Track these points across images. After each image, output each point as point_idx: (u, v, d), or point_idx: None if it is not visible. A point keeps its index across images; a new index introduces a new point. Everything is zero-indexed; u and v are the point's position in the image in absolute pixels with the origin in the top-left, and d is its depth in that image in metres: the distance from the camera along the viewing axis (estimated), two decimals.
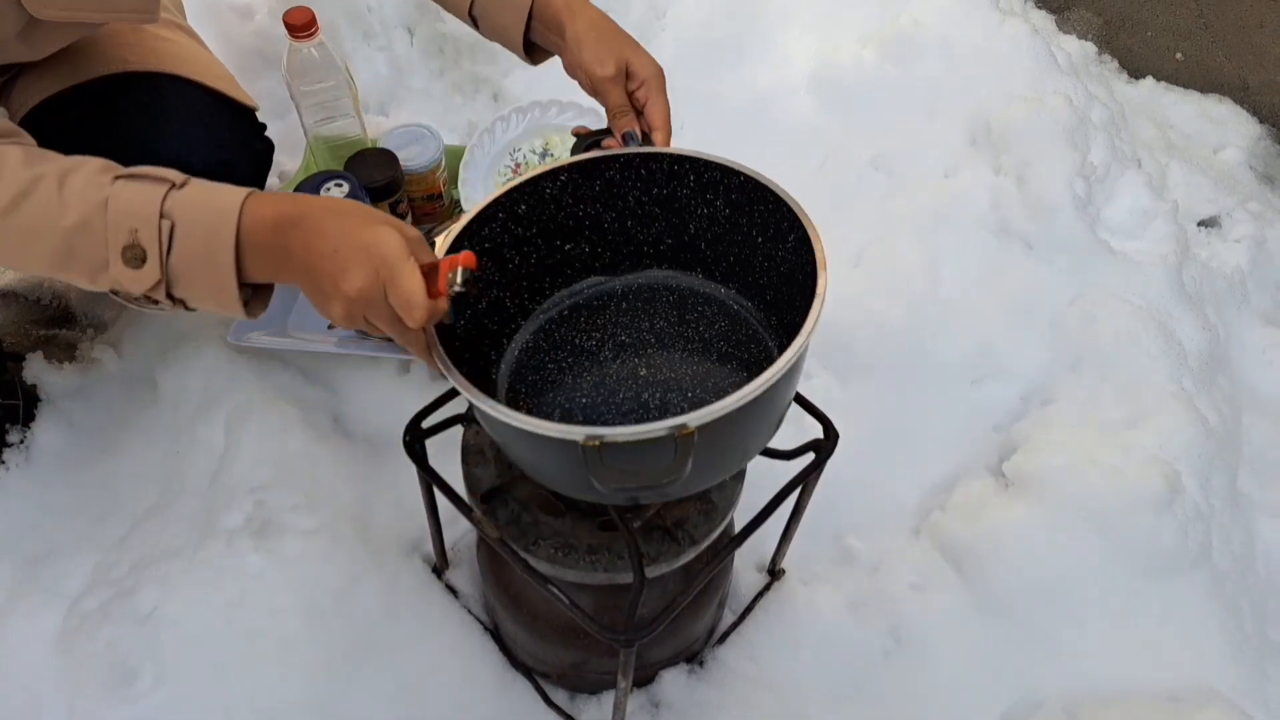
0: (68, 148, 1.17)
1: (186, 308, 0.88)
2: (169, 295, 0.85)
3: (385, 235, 0.77)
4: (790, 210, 0.85)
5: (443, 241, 0.91)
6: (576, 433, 0.70)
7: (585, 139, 1.02)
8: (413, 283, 0.75)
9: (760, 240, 0.92)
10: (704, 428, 0.71)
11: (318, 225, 0.80)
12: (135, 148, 1.10)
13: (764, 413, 0.81)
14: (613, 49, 1.01)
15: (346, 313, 0.79)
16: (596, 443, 0.70)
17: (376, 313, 0.78)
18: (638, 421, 0.84)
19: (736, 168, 0.89)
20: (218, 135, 1.18)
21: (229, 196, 0.83)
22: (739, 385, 0.85)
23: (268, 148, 1.29)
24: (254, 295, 0.87)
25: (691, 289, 1.01)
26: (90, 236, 0.84)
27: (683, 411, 0.82)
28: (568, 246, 0.99)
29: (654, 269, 1.02)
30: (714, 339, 0.97)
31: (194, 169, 1.11)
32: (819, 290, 0.78)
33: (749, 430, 0.83)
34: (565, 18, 1.02)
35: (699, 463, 0.72)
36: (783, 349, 0.89)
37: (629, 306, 1.00)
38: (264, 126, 1.30)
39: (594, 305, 1.01)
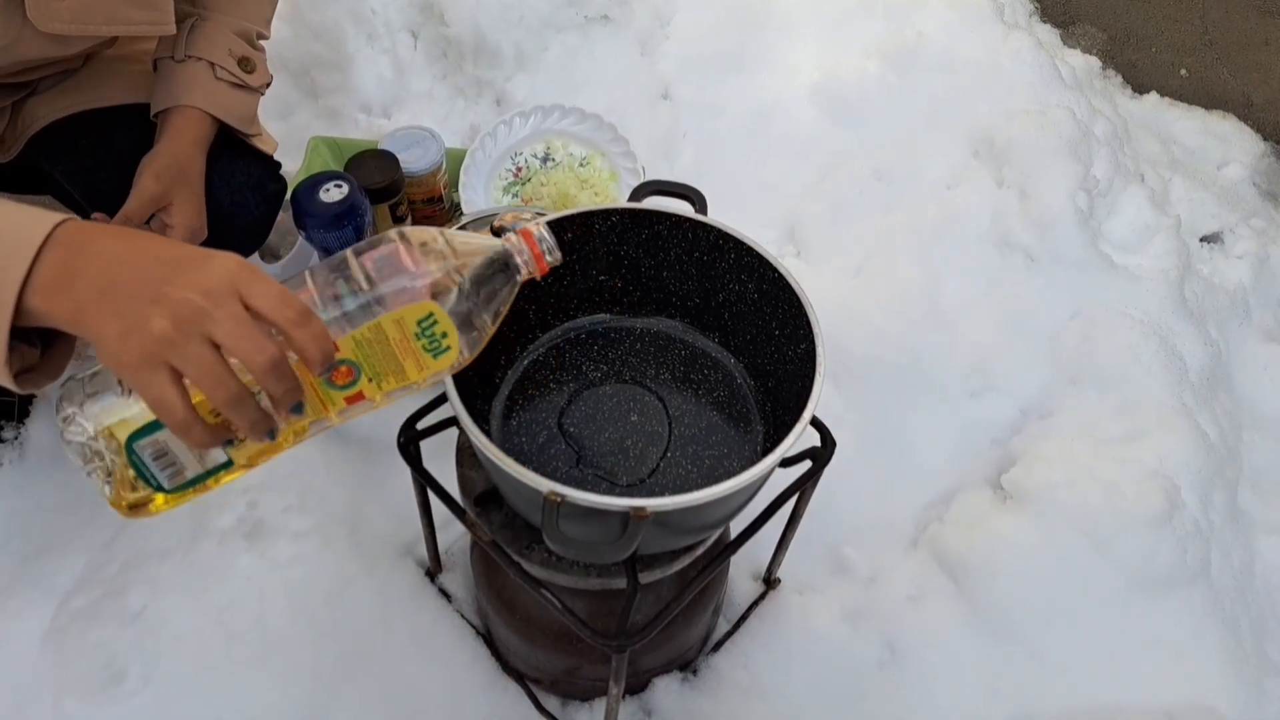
0: (72, 172, 1.17)
1: None
2: None
3: (242, 259, 0.62)
4: (809, 321, 0.88)
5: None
6: (542, 484, 0.74)
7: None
8: (283, 288, 0.61)
9: (778, 333, 0.94)
10: (659, 514, 0.74)
11: (143, 241, 0.63)
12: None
13: (720, 508, 0.83)
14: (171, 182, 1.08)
15: (177, 323, 0.58)
16: (558, 499, 0.73)
17: (226, 320, 0.58)
18: (612, 467, 0.91)
19: (774, 262, 0.92)
20: (232, 179, 1.18)
21: (42, 214, 0.63)
22: (716, 462, 0.93)
23: (281, 189, 1.28)
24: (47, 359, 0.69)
25: (704, 350, 1.03)
26: None
27: (654, 469, 0.91)
28: (602, 278, 1.02)
29: (675, 320, 1.05)
30: (710, 404, 0.99)
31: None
32: (804, 414, 0.80)
33: (702, 520, 0.86)
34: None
35: (647, 538, 0.75)
36: (769, 436, 0.95)
37: (642, 348, 1.03)
38: (278, 166, 1.30)
39: (609, 337, 1.04)
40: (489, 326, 0.72)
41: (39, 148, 1.16)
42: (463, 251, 0.69)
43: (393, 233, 0.68)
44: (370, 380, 0.67)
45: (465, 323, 0.69)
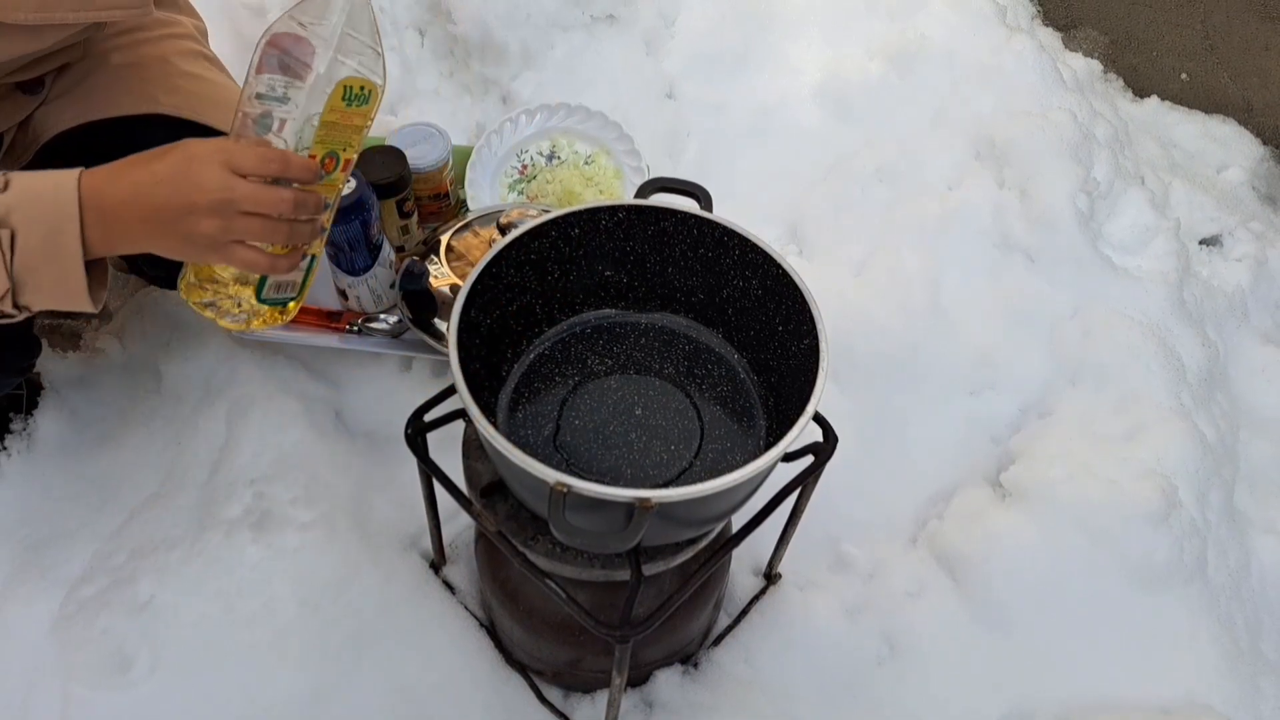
0: None
1: (29, 311, 0.89)
2: (15, 304, 0.86)
3: (210, 141, 0.84)
4: (812, 317, 0.89)
5: (486, 248, 1.09)
6: (549, 475, 0.76)
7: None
8: (256, 145, 0.85)
9: (780, 329, 0.96)
10: (663, 505, 0.76)
11: (150, 160, 0.85)
12: None
13: (723, 500, 0.84)
14: None
15: (218, 215, 0.82)
16: (564, 489, 0.75)
17: (246, 196, 0.82)
18: (616, 460, 0.93)
19: (778, 259, 0.93)
20: None
21: (58, 178, 0.84)
22: (719, 456, 0.95)
23: None
24: (92, 277, 0.88)
25: (708, 345, 1.05)
26: None
27: (661, 462, 0.93)
28: (608, 273, 1.03)
29: (680, 316, 1.06)
30: (713, 398, 1.00)
31: None
32: (808, 409, 0.82)
33: (706, 513, 0.87)
34: None
35: (651, 530, 0.76)
36: (771, 431, 0.97)
37: (646, 343, 1.04)
38: None
39: (615, 332, 1.05)
40: (374, 47, 0.90)
41: (50, 158, 1.16)
42: (323, 16, 0.86)
43: (263, 40, 0.86)
44: (344, 151, 0.94)
45: (364, 63, 0.90)
